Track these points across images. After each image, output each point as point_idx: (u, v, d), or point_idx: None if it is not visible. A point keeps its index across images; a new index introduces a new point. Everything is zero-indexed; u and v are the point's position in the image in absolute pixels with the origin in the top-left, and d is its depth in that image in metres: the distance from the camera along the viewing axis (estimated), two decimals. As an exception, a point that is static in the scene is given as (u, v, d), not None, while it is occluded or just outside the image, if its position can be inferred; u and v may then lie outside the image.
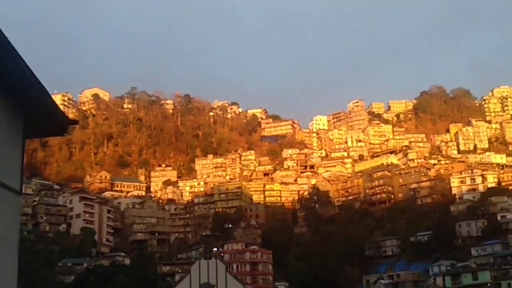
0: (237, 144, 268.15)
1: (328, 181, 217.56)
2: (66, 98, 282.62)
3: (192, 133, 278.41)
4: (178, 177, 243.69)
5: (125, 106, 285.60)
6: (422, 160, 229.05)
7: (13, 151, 11.20)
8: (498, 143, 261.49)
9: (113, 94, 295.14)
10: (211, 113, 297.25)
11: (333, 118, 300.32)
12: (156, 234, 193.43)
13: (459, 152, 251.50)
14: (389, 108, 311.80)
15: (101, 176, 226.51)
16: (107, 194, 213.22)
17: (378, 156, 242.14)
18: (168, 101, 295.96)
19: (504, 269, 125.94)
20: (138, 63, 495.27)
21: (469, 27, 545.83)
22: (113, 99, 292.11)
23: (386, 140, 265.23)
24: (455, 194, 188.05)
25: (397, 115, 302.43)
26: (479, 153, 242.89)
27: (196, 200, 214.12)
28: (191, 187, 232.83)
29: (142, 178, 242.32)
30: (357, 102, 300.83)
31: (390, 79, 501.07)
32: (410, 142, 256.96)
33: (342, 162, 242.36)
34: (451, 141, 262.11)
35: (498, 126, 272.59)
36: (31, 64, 10.07)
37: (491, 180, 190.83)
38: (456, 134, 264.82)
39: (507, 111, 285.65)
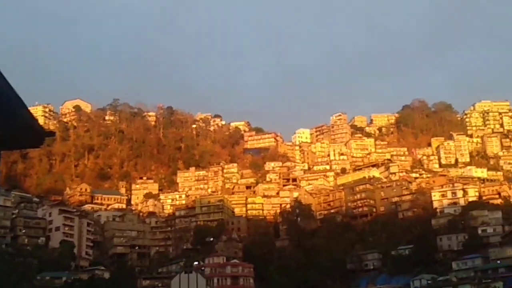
0: (219, 156, 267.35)
1: (310, 194, 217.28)
2: (47, 110, 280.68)
3: (175, 146, 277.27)
4: (160, 189, 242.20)
5: (106, 118, 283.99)
6: (404, 173, 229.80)
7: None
8: (479, 157, 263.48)
9: (94, 106, 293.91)
10: (194, 126, 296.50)
11: (316, 131, 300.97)
12: (137, 247, 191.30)
13: (440, 165, 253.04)
14: (371, 121, 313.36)
15: (81, 189, 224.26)
16: (87, 207, 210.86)
17: (360, 169, 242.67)
18: (151, 113, 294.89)
19: (485, 283, 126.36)
20: (120, 75, 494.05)
21: (450, 43, 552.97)
22: (95, 111, 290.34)
23: (368, 154, 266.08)
24: (436, 208, 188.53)
25: (379, 129, 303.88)
26: (460, 167, 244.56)
27: (177, 213, 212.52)
28: (172, 200, 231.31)
29: (123, 190, 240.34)
30: (340, 115, 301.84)
31: (373, 93, 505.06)
32: (392, 155, 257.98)
33: (324, 175, 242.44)
34: (432, 154, 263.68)
35: (479, 140, 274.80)
36: (12, 75, 9.65)
37: (472, 194, 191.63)
38: (437, 147, 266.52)
39: (488, 125, 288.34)
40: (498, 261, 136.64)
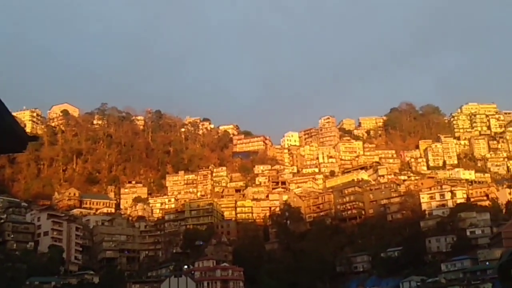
0: (208, 160, 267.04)
1: (299, 197, 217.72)
2: (35, 114, 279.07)
3: (163, 149, 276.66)
4: (149, 193, 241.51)
5: (95, 122, 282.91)
6: (392, 176, 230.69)
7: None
8: (466, 159, 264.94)
9: (82, 110, 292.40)
10: (183, 129, 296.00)
11: (305, 134, 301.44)
12: (126, 251, 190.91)
13: (428, 168, 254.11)
14: (359, 124, 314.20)
15: (69, 193, 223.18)
16: (76, 211, 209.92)
17: (349, 172, 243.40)
18: (139, 117, 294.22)
19: (474, 284, 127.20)
20: (108, 79, 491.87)
21: (437, 46, 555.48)
22: (83, 115, 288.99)
23: (357, 156, 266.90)
24: (424, 210, 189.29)
25: (368, 132, 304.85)
26: (448, 169, 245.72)
27: (166, 217, 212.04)
28: (161, 203, 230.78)
29: (111, 195, 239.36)
30: (328, 118, 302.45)
31: (361, 96, 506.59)
32: (380, 158, 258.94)
33: (313, 178, 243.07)
34: (420, 157, 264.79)
35: (466, 142, 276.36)
36: None
37: (460, 196, 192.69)
38: (425, 150, 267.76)
39: (475, 127, 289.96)
40: (487, 263, 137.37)
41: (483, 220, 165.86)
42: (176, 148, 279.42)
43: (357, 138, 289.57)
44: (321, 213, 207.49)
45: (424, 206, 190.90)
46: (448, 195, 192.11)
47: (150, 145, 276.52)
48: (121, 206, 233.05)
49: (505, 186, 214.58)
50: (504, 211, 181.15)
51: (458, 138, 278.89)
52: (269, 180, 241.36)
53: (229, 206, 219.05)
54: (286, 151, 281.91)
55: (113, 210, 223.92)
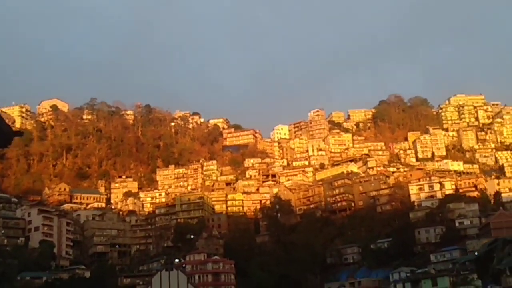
0: (198, 154, 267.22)
1: (289, 190, 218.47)
2: (24, 110, 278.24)
3: (153, 144, 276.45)
4: (139, 188, 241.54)
5: (84, 117, 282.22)
6: (381, 168, 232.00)
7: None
8: (455, 151, 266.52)
9: (72, 105, 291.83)
10: (172, 124, 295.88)
11: (294, 128, 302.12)
12: (117, 246, 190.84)
13: (417, 159, 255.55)
14: (348, 117, 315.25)
15: (60, 188, 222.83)
16: (66, 206, 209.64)
17: (339, 164, 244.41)
18: (129, 112, 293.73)
19: (463, 274, 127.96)
20: (98, 74, 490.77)
21: (424, 39, 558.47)
22: (72, 110, 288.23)
23: (346, 149, 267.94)
24: (414, 201, 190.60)
25: (357, 124, 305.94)
26: (437, 161, 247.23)
27: (157, 211, 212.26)
28: (152, 198, 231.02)
29: (102, 189, 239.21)
30: (318, 111, 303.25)
31: (350, 89, 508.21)
32: (369, 150, 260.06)
33: (303, 171, 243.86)
34: (409, 149, 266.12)
35: (455, 133, 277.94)
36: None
37: (449, 187, 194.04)
38: (414, 142, 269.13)
39: (463, 119, 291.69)
40: (476, 253, 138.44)
41: (472, 211, 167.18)
42: (166, 142, 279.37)
43: (346, 130, 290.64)
44: (311, 206, 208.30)
45: (413, 198, 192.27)
46: (437, 187, 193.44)
47: (140, 139, 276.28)
48: (112, 201, 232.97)
49: (493, 177, 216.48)
50: (492, 201, 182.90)
51: (447, 130, 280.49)
52: (259, 173, 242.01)
53: (219, 200, 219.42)
54: (276, 144, 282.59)
55: (103, 205, 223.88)
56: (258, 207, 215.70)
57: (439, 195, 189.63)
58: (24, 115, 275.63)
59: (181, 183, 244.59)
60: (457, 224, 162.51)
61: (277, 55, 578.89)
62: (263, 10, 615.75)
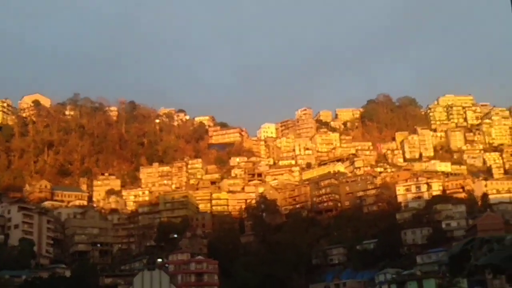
0: (183, 152, 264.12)
1: (275, 189, 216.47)
2: (5, 105, 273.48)
3: (137, 141, 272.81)
4: (122, 186, 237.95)
5: (67, 113, 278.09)
6: (369, 168, 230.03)
7: None
8: (443, 151, 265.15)
9: (54, 101, 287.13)
10: (157, 121, 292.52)
11: (281, 126, 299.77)
12: (98, 245, 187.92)
13: (404, 160, 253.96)
14: (336, 116, 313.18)
15: (41, 185, 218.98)
16: (47, 204, 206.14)
17: (325, 164, 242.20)
18: (112, 108, 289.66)
19: (449, 276, 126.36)
20: (81, 69, 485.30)
21: (414, 39, 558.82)
22: (55, 105, 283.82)
23: (333, 148, 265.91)
24: (400, 202, 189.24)
25: (344, 123, 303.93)
26: (424, 161, 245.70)
27: (140, 210, 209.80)
28: (135, 196, 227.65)
29: (84, 187, 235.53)
30: (305, 110, 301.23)
31: (338, 88, 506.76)
32: (357, 150, 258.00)
33: (289, 170, 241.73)
34: (397, 149, 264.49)
35: (443, 134, 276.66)
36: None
37: (436, 188, 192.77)
38: (402, 142, 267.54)
39: (452, 119, 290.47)
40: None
41: (459, 212, 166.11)
42: (150, 140, 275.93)
43: (333, 130, 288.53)
44: (297, 205, 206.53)
45: (400, 198, 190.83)
46: (424, 187, 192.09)
47: (123, 136, 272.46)
48: (94, 199, 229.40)
49: (481, 178, 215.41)
50: (479, 203, 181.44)
51: (435, 130, 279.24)
52: (245, 172, 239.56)
53: (204, 199, 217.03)
54: (262, 143, 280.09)
55: (85, 203, 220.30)
56: (243, 206, 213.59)
57: (426, 196, 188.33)
58: (5, 110, 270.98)
59: (165, 182, 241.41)
60: (443, 226, 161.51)
61: (264, 52, 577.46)
62: (251, 6, 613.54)
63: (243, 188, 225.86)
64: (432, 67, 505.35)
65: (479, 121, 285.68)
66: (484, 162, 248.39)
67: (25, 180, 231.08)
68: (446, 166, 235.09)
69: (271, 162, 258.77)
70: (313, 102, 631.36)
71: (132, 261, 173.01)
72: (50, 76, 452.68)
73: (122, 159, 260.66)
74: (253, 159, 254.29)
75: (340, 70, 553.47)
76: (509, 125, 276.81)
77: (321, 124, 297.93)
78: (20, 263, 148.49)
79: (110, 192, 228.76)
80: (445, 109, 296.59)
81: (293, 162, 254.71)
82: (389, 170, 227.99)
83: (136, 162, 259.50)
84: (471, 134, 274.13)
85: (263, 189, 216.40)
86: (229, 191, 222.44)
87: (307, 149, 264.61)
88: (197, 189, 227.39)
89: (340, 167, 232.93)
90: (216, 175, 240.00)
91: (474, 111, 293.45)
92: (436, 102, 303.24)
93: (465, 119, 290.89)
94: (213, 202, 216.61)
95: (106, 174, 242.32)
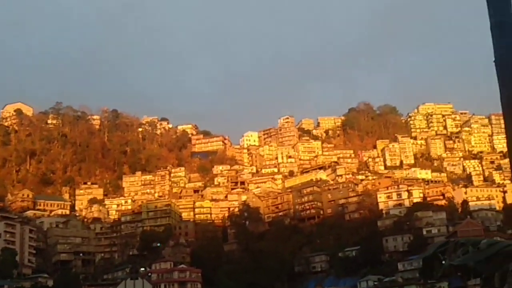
0: (166, 160, 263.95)
1: (258, 198, 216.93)
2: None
3: (120, 150, 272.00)
4: (105, 195, 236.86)
5: (49, 121, 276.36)
6: (350, 175, 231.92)
7: None
8: (423, 159, 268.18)
9: (36, 109, 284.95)
10: (140, 129, 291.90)
11: (264, 134, 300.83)
12: (81, 254, 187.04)
13: (385, 167, 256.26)
14: (318, 124, 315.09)
15: (23, 195, 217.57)
16: (30, 213, 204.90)
17: (308, 172, 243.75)
18: (95, 117, 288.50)
19: (430, 283, 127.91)
20: (63, 77, 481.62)
21: (392, 47, 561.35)
22: (37, 114, 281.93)
23: (316, 156, 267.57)
24: (382, 209, 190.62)
25: (326, 131, 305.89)
26: (405, 169, 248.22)
27: (123, 219, 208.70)
28: (118, 205, 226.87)
29: (66, 196, 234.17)
30: (287, 118, 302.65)
31: (320, 96, 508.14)
32: (338, 158, 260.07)
33: (272, 178, 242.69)
34: (378, 157, 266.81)
35: (423, 142, 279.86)
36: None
37: (417, 195, 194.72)
38: (383, 150, 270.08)
39: (432, 127, 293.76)
40: (443, 262, 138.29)
41: (439, 219, 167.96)
42: (133, 148, 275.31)
43: (316, 138, 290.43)
44: (280, 213, 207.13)
45: (381, 206, 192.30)
46: (405, 195, 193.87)
47: (106, 145, 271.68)
48: (76, 208, 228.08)
49: (460, 185, 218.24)
50: (459, 210, 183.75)
51: (415, 138, 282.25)
52: (228, 181, 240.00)
53: (187, 207, 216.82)
54: (245, 151, 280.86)
55: (67, 212, 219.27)
56: (226, 214, 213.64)
57: (407, 203, 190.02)
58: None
59: (148, 190, 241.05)
60: (424, 233, 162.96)
61: (247, 61, 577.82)
62: (232, 15, 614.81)
63: (226, 196, 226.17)
64: (412, 75, 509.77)
65: (459, 129, 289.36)
66: (464, 169, 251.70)
67: (7, 189, 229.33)
68: (426, 174, 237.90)
69: (254, 170, 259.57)
70: (295, 110, 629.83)
71: (115, 270, 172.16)
72: (32, 84, 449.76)
73: (104, 168, 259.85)
74: (236, 167, 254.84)
75: (322, 79, 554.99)
76: (488, 133, 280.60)
77: (303, 132, 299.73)
78: (2, 273, 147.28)
79: (92, 201, 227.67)
80: (425, 117, 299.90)
81: (275, 170, 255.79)
82: (370, 178, 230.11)
83: (118, 170, 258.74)
84: (451, 142, 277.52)
85: (246, 197, 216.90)
86: (212, 200, 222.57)
87: (290, 157, 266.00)
88: (180, 197, 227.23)
89: (322, 175, 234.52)
90: (199, 184, 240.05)
91: (454, 119, 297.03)
92: (416, 110, 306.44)
93: (445, 127, 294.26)
94: (196, 210, 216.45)
95: (89, 183, 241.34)
